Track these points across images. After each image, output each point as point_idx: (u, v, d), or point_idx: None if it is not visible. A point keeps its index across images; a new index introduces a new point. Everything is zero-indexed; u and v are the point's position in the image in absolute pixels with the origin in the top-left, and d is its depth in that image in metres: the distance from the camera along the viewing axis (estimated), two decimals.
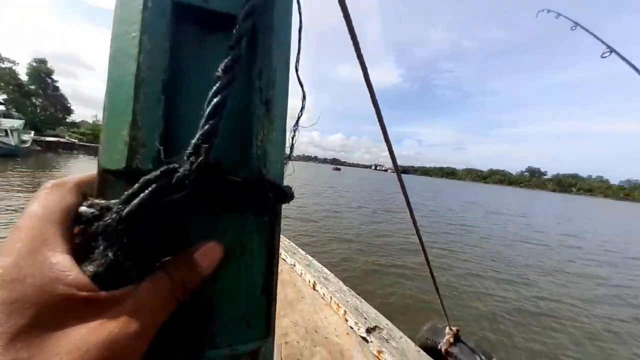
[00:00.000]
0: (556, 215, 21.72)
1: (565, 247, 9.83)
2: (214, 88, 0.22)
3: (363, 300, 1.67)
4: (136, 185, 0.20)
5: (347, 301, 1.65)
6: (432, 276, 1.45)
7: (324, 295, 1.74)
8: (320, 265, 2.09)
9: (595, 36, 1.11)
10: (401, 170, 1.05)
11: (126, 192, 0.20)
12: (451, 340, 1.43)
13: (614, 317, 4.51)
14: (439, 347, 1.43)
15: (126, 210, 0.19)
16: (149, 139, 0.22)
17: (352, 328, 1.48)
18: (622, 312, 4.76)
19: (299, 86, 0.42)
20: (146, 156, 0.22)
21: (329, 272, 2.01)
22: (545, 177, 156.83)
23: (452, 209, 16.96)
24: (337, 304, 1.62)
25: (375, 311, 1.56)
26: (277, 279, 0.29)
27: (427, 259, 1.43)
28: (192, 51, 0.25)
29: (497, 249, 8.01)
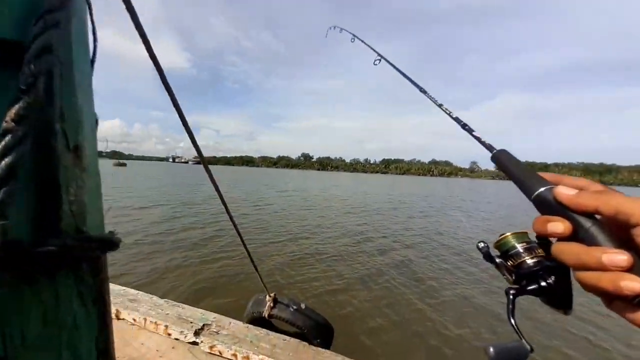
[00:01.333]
0: (320, 187, 28.85)
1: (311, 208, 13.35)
2: (3, 143, 0.17)
3: (186, 306, 1.55)
4: None
5: (167, 314, 1.47)
6: (249, 254, 1.58)
7: (135, 319, 1.45)
8: (122, 288, 1.70)
9: (369, 46, 1.19)
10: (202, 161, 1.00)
11: None
12: (271, 305, 1.65)
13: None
14: (263, 315, 1.61)
15: None
16: None
17: (177, 339, 1.36)
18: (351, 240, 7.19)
19: None
20: None
21: (136, 292, 1.67)
22: (313, 160, 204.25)
23: (252, 192, 18.45)
24: (155, 323, 1.41)
25: (202, 310, 1.51)
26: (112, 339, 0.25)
27: (242, 240, 1.53)
28: None
29: (283, 217, 9.64)
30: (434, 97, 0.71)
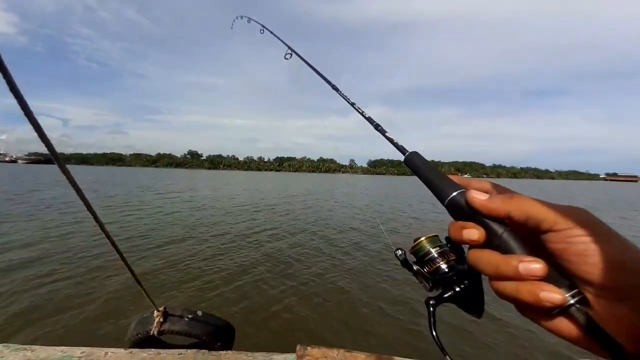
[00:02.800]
0: (212, 187, 26.74)
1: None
2: None
3: (37, 347, 1.16)
4: None
5: None
6: (128, 266, 1.33)
7: None
8: None
9: (279, 39, 1.10)
10: (44, 160, 0.75)
11: None
12: (161, 320, 1.44)
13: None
14: (151, 333, 1.38)
15: None
16: None
17: None
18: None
19: None
20: None
21: None
22: (202, 158, 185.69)
23: (127, 195, 15.23)
24: None
25: (63, 348, 1.16)
26: None
27: (118, 251, 1.28)
28: None
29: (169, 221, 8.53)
30: (346, 96, 0.69)
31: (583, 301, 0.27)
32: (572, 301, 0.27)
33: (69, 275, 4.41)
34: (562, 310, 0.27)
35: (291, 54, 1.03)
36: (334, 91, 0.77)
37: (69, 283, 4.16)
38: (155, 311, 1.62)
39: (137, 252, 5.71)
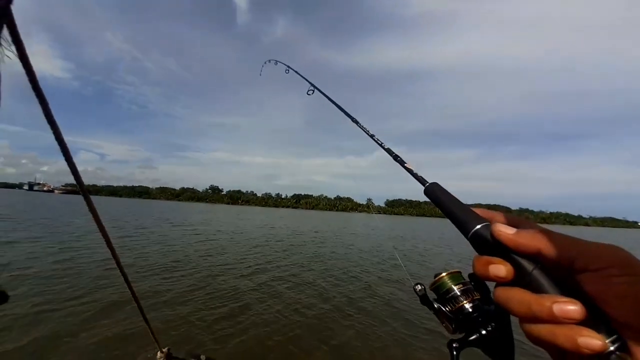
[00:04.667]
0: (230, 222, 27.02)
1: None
2: None
3: None
4: None
5: None
6: (137, 301, 1.30)
7: None
8: None
9: (303, 77, 1.19)
10: (78, 190, 0.81)
11: None
12: None
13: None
14: None
15: None
16: None
17: None
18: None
19: None
20: None
21: None
22: (222, 193, 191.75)
23: (152, 229, 15.63)
24: None
25: None
26: None
27: (129, 285, 1.27)
28: None
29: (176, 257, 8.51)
30: (366, 128, 0.68)
31: (623, 348, 0.25)
32: (612, 347, 0.24)
33: (73, 304, 4.40)
34: (601, 357, 0.25)
35: (313, 90, 1.08)
36: (353, 127, 0.77)
37: (74, 311, 4.13)
38: (159, 352, 1.55)
39: (150, 283, 5.67)
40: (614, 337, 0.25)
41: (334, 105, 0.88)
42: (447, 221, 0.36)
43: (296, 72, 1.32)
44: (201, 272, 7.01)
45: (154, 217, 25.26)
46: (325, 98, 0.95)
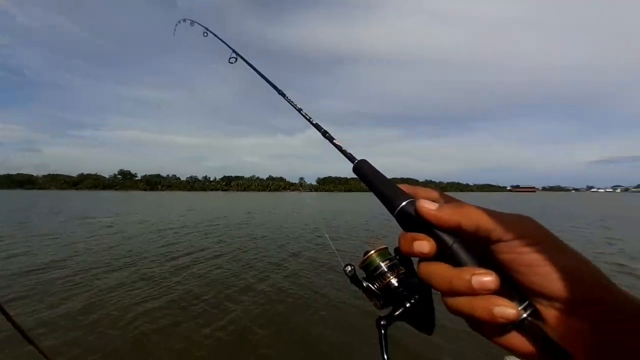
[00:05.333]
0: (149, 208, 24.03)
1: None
2: None
3: None
4: None
5: None
6: (14, 324, 1.03)
7: None
8: None
9: (224, 42, 1.04)
10: None
11: None
12: None
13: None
14: None
15: None
16: None
17: None
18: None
19: None
20: None
21: None
22: (136, 178, 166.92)
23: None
24: None
25: None
26: None
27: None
28: None
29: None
30: (293, 102, 0.65)
31: (535, 314, 0.26)
32: (524, 315, 0.25)
33: None
34: (515, 325, 0.26)
35: (236, 58, 0.96)
36: (284, 105, 0.71)
37: None
38: None
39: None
40: (526, 303, 0.26)
41: (262, 79, 0.80)
42: (374, 195, 0.36)
43: (215, 35, 1.17)
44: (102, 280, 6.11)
45: (37, 211, 20.56)
46: (249, 68, 0.85)
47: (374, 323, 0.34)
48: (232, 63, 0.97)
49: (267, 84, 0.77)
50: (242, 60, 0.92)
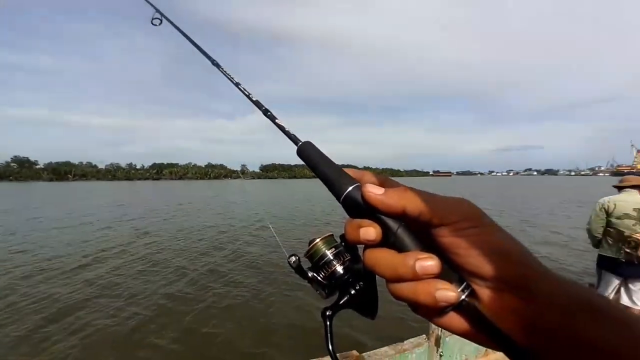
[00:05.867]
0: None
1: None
2: None
3: None
4: None
5: None
6: None
7: None
8: None
9: (147, 1, 0.87)
10: None
11: None
12: None
13: None
14: None
15: None
16: None
17: None
18: None
19: None
20: None
21: None
22: (38, 166, 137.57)
23: None
24: None
25: None
26: None
27: None
28: None
29: None
30: (229, 74, 0.56)
31: (472, 294, 0.26)
32: (463, 296, 0.26)
33: None
34: (455, 306, 0.26)
35: (160, 20, 0.83)
36: (224, 84, 0.59)
37: None
38: None
39: None
40: (464, 285, 0.26)
41: (192, 47, 0.67)
42: (319, 181, 0.34)
43: None
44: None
45: None
46: (176, 32, 0.72)
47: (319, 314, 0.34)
48: (155, 25, 0.85)
49: (198, 52, 0.65)
50: (168, 23, 0.79)
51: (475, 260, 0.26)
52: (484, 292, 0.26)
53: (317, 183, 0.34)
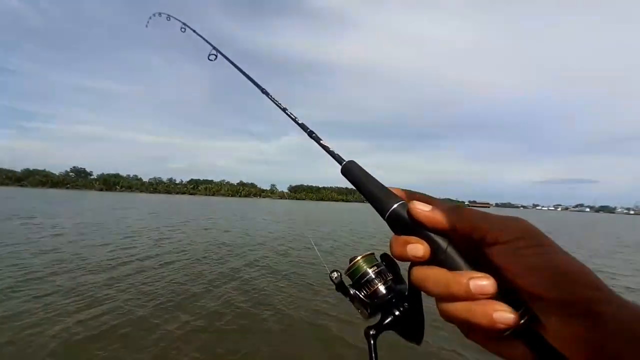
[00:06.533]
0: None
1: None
2: None
3: None
4: None
5: None
6: None
7: None
8: None
9: (203, 38, 1.02)
10: None
11: None
12: None
13: None
14: None
15: None
16: None
17: None
18: None
19: None
20: None
21: None
22: (91, 177, 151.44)
23: None
24: None
25: None
26: None
27: None
28: None
29: None
30: (277, 100, 0.64)
31: (533, 319, 0.24)
32: (522, 320, 0.24)
33: None
34: (513, 331, 0.24)
35: (216, 55, 0.96)
36: (262, 107, 0.68)
37: None
38: None
39: None
40: (523, 309, 0.24)
41: (243, 78, 0.78)
42: (350, 205, 0.28)
43: (194, 31, 1.14)
44: None
45: None
46: (230, 65, 0.84)
47: (362, 333, 0.32)
48: (211, 60, 0.97)
49: (249, 82, 0.75)
50: (222, 58, 0.92)
51: (536, 281, 0.23)
52: (546, 316, 0.24)
53: (347, 207, 0.37)
